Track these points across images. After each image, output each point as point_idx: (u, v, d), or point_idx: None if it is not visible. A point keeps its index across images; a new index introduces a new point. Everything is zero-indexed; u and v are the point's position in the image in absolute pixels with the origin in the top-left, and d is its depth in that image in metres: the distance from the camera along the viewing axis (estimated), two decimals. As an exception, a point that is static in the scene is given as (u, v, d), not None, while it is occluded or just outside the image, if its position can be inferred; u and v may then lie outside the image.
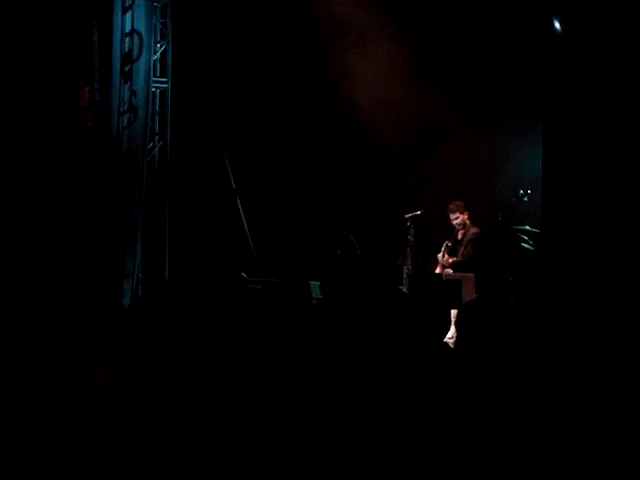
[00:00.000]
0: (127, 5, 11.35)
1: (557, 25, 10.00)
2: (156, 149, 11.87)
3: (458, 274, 11.35)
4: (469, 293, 10.76)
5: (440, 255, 11.24)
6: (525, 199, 11.11)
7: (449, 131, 12.52)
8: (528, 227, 11.07)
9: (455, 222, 11.18)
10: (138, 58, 11.36)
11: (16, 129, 10.08)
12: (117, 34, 11.28)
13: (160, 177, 11.89)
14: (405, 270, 11.60)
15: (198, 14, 12.31)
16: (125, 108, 11.29)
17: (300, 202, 12.88)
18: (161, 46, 11.78)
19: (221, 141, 12.73)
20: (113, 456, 3.66)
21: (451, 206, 11.20)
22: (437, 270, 11.27)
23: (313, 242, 12.65)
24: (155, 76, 11.76)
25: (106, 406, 3.74)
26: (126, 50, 11.29)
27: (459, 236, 11.21)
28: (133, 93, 11.34)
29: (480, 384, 3.88)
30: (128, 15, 11.38)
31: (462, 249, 11.12)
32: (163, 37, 11.85)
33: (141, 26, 11.45)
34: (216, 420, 3.81)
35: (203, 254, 12.23)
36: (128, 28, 11.36)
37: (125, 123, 11.34)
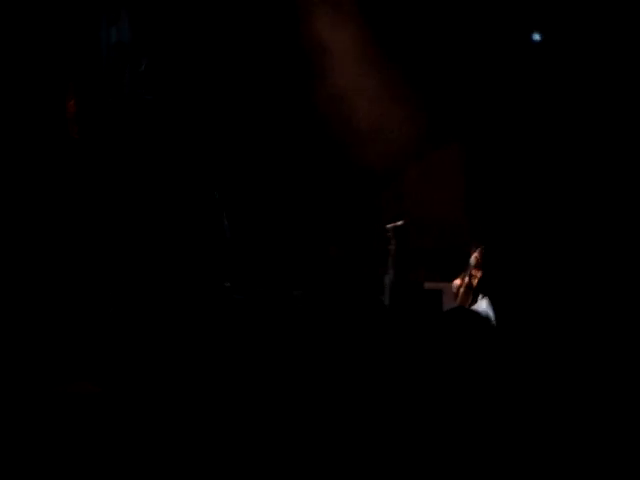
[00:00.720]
0: (113, 18, 11.43)
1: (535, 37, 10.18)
2: (141, 160, 11.93)
3: (440, 283, 11.50)
4: (451, 302, 10.89)
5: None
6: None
7: (432, 144, 12.69)
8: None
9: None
10: (123, 71, 11.45)
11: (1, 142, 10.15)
12: (103, 46, 11.36)
13: (145, 186, 11.95)
14: (386, 280, 11.71)
15: (184, 27, 12.42)
16: (111, 120, 11.35)
17: (282, 215, 12.99)
18: (146, 59, 11.86)
19: (206, 153, 12.82)
20: (101, 462, 3.75)
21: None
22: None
23: (296, 253, 12.75)
24: (140, 89, 11.84)
25: (94, 415, 3.83)
26: (111, 62, 11.38)
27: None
28: (118, 105, 11.42)
29: (461, 389, 3.99)
30: (114, 28, 11.46)
31: None
32: (148, 50, 11.94)
33: (127, 39, 11.53)
34: (202, 425, 3.91)
35: (185, 264, 12.29)
36: (114, 40, 11.44)
37: (110, 135, 11.41)
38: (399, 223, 12.61)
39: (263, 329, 5.15)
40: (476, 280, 11.54)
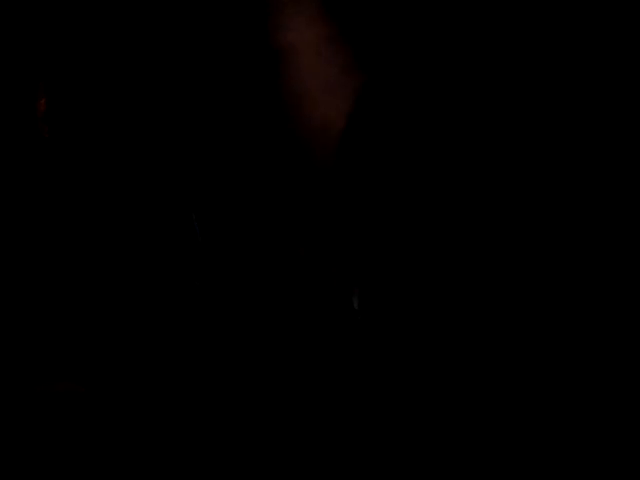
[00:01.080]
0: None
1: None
2: (113, 160, 11.92)
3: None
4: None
5: None
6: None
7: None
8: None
9: None
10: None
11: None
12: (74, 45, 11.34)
13: (115, 187, 11.95)
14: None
15: (153, 25, 12.43)
16: (82, 120, 11.35)
17: (251, 215, 13.01)
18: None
19: (175, 154, 12.83)
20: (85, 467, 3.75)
21: None
22: None
23: (266, 253, 12.77)
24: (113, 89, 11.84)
25: (78, 416, 3.82)
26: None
27: None
28: (91, 105, 11.43)
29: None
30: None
31: None
32: (124, 44, 11.94)
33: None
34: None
35: (156, 263, 12.28)
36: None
37: (82, 135, 11.39)
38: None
39: (234, 328, 5.17)
40: None
